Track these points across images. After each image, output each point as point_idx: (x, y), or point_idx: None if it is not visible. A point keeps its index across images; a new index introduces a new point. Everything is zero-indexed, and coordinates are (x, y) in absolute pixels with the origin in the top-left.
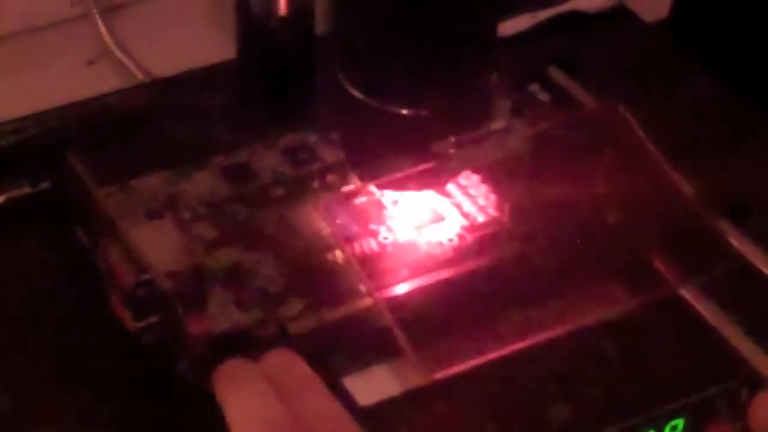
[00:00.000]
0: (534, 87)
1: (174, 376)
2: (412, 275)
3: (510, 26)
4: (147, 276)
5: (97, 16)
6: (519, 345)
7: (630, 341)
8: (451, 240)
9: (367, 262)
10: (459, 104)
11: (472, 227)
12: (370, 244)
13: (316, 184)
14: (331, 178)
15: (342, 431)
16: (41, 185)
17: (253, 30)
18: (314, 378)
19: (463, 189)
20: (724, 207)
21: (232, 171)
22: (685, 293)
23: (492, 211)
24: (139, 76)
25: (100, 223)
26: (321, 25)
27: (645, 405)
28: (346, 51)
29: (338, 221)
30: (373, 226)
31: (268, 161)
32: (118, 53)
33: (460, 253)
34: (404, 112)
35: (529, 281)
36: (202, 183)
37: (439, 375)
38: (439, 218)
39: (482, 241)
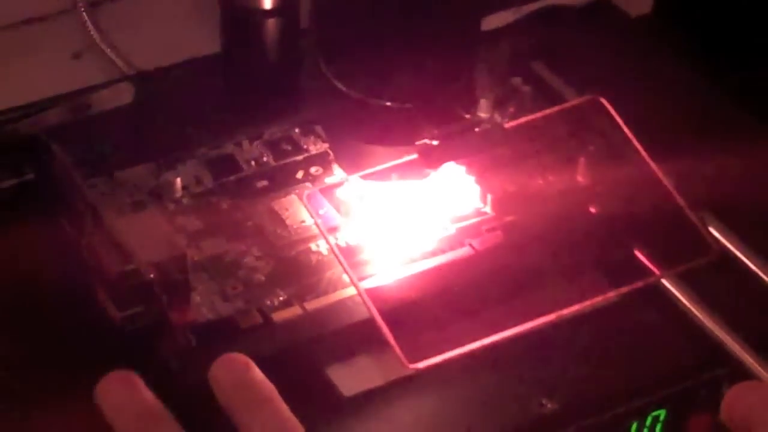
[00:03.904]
0: (516, 80)
1: (157, 366)
2: (395, 266)
3: (494, 20)
4: (131, 266)
5: (83, 9)
6: (501, 336)
7: (612, 332)
8: (434, 231)
9: (351, 252)
10: (442, 96)
11: (456, 218)
12: (354, 235)
13: (300, 175)
14: (315, 169)
15: None
16: (26, 176)
17: (238, 23)
18: (268, 388)
19: (447, 180)
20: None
21: (216, 162)
22: (667, 284)
23: (475, 203)
24: (125, 69)
25: (85, 213)
26: (305, 18)
27: (627, 396)
28: (330, 44)
29: (322, 212)
30: (356, 217)
31: (252, 153)
32: (104, 47)
33: (442, 245)
34: (388, 104)
35: (512, 272)
36: (187, 174)
37: (422, 366)
38: (422, 209)
39: (465, 232)
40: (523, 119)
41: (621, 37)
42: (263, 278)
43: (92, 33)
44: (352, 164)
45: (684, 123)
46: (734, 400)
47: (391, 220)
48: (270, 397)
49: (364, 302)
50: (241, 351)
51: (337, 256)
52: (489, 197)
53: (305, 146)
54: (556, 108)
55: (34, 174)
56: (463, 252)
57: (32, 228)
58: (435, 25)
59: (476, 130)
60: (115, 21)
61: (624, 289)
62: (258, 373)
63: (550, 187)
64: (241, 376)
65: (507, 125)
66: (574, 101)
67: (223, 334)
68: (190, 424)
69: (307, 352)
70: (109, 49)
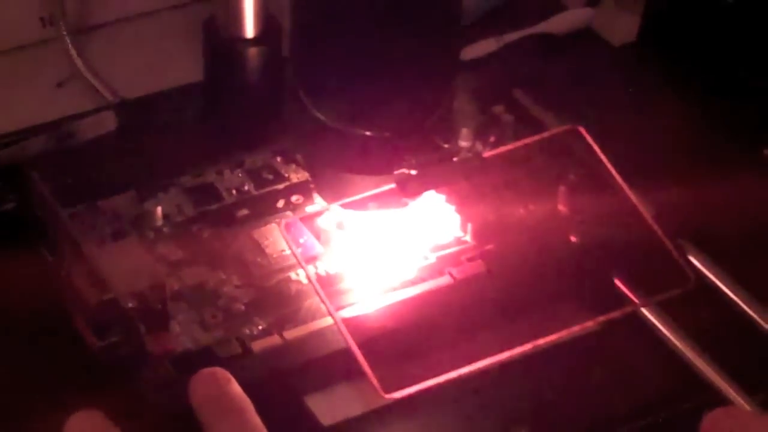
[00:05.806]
0: (498, 108)
1: (136, 395)
2: (375, 295)
3: (477, 48)
4: (110, 295)
5: (67, 38)
6: (479, 365)
7: (590, 361)
8: (413, 260)
9: (331, 281)
10: (421, 126)
11: (435, 247)
12: (334, 264)
13: (281, 204)
14: (295, 198)
15: None
16: (6, 205)
17: (221, 52)
18: (244, 401)
19: (427, 209)
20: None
21: (197, 191)
22: (646, 313)
23: (455, 232)
24: (109, 98)
25: (65, 242)
26: (287, 47)
27: (606, 425)
28: (309, 74)
29: (302, 241)
30: (336, 246)
31: (233, 181)
32: (87, 75)
33: (422, 273)
34: (367, 133)
35: (490, 302)
36: (168, 203)
37: (397, 396)
38: (402, 238)
39: (445, 261)
40: (502, 148)
41: (605, 66)
42: (243, 307)
43: (76, 61)
44: (332, 193)
45: (666, 152)
46: (711, 425)
47: (371, 248)
48: (244, 409)
49: (341, 331)
50: None
51: (314, 285)
52: (469, 226)
53: (286, 175)
54: (535, 137)
55: (14, 203)
56: (442, 281)
57: (12, 257)
58: (414, 55)
59: (454, 159)
60: (99, 50)
61: (602, 318)
62: (236, 388)
63: (530, 217)
64: (219, 388)
65: (486, 154)
66: (553, 131)
67: (202, 364)
68: None
69: (286, 382)
70: (92, 78)
